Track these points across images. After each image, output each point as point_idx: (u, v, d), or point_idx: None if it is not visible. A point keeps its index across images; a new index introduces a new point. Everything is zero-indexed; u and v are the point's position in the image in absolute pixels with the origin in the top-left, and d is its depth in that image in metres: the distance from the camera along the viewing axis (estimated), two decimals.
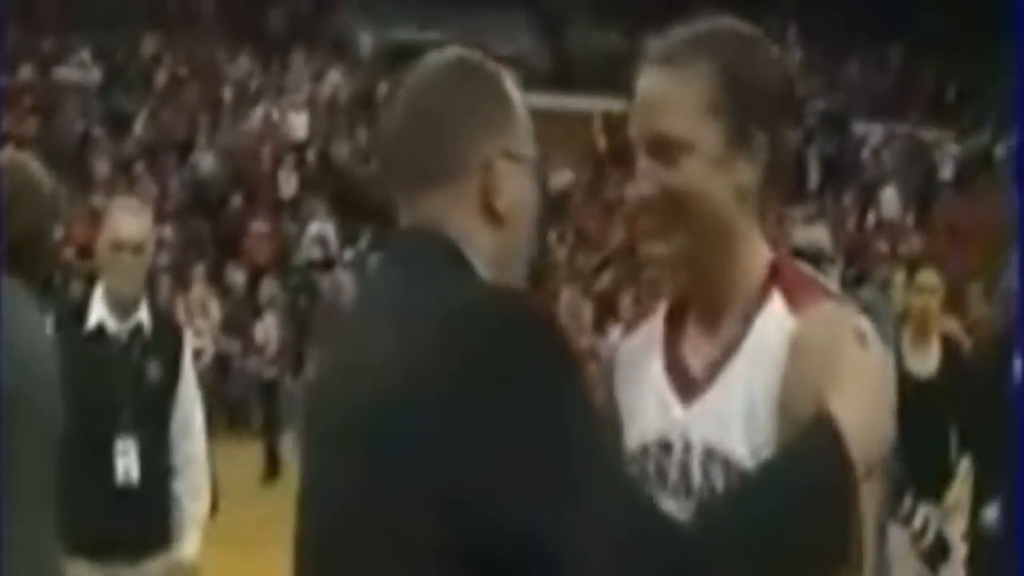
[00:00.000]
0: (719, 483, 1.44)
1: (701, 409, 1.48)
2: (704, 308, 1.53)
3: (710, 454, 1.45)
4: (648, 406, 1.53)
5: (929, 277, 5.16)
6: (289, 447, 12.05)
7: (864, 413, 1.37)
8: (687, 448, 1.47)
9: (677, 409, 1.50)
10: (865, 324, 1.45)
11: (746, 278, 1.50)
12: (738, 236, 1.50)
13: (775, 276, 1.50)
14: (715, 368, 1.48)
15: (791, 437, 1.37)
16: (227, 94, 19.12)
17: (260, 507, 9.24)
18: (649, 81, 1.50)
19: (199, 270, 15.12)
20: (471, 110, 1.44)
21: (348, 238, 17.25)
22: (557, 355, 1.30)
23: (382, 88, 20.83)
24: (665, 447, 1.50)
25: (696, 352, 1.52)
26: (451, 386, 1.27)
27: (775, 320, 1.46)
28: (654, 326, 1.59)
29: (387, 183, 1.48)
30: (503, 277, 1.44)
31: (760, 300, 1.49)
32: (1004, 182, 18.86)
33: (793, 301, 1.47)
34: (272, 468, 11.80)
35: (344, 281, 15.80)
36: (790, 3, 22.32)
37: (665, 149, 1.47)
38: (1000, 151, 20.79)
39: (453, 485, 1.25)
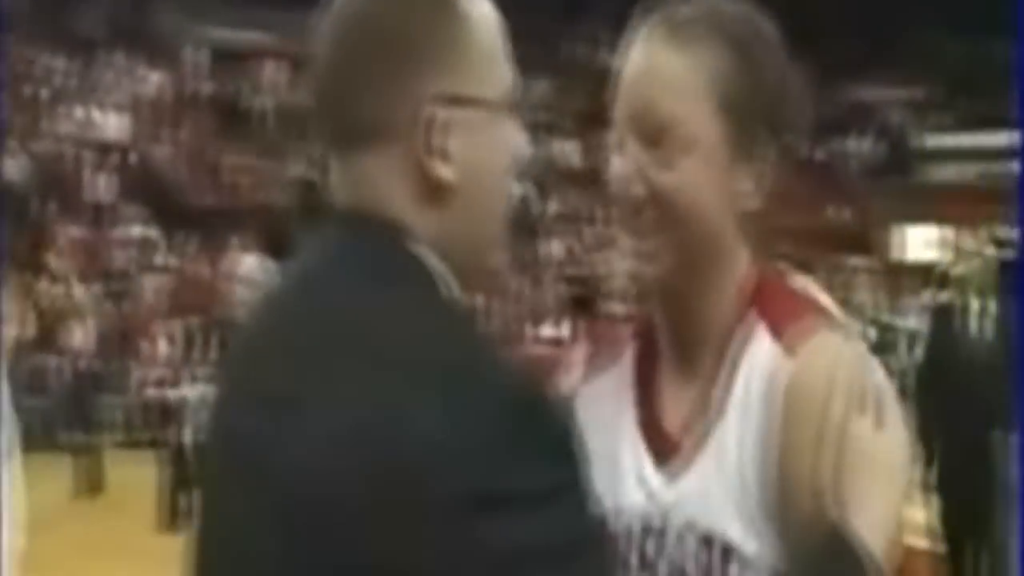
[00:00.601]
0: (717, 572, 1.22)
1: (689, 486, 1.25)
2: (679, 345, 1.30)
3: (708, 541, 1.23)
4: (621, 476, 1.29)
5: None
6: (108, 462, 11.59)
7: (888, 518, 1.17)
8: (680, 538, 1.24)
9: (659, 485, 1.25)
10: (868, 358, 1.24)
11: (727, 305, 1.28)
12: (724, 255, 1.27)
13: (758, 299, 1.28)
14: (702, 434, 1.25)
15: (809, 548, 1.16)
16: (39, 94, 18.35)
17: (75, 527, 8.80)
18: (650, 57, 1.25)
19: (7, 278, 14.41)
20: (403, 41, 1.09)
21: (169, 243, 16.73)
22: (573, 460, 1.03)
23: (203, 88, 20.36)
24: (649, 531, 1.27)
25: (675, 408, 1.29)
26: (447, 466, 0.95)
27: (762, 362, 1.24)
28: (623, 369, 1.33)
29: (318, 140, 1.13)
30: (458, 282, 1.09)
31: (744, 336, 1.26)
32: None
33: (780, 331, 1.24)
34: (89, 484, 11.29)
35: (163, 287, 15.30)
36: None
37: (661, 141, 1.23)
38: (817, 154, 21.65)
39: None
